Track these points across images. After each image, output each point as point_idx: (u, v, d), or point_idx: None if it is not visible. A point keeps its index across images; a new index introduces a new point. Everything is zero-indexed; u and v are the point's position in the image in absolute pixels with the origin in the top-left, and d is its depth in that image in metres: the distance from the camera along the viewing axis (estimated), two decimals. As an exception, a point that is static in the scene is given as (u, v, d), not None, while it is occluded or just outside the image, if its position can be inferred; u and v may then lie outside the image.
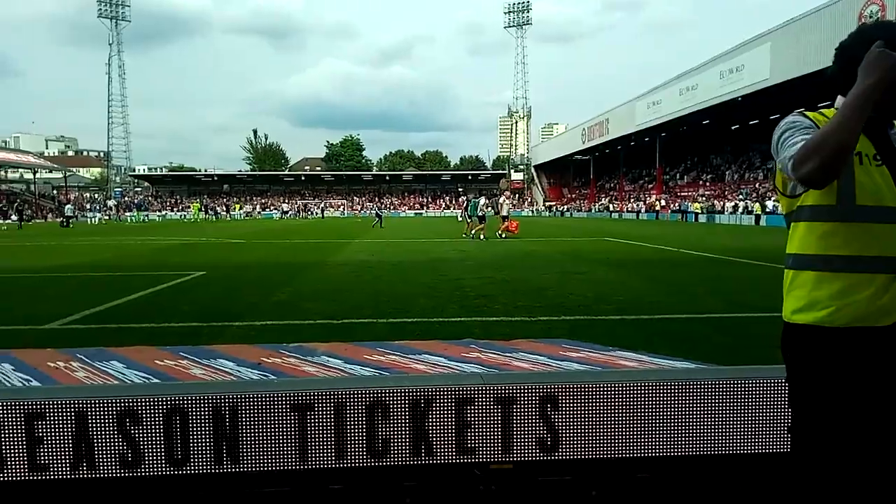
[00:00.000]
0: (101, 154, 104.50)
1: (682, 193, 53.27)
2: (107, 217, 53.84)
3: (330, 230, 30.50)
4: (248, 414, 2.21)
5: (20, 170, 73.40)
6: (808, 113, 1.61)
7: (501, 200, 23.02)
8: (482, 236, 20.98)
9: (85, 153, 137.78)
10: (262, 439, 2.21)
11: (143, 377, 3.54)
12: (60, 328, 6.04)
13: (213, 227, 38.15)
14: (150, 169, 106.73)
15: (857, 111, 1.37)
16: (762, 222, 35.35)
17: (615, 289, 8.59)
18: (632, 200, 59.47)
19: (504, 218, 22.22)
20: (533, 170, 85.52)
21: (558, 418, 2.27)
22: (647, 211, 52.66)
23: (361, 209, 74.41)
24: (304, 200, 76.34)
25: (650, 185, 59.57)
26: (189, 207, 66.96)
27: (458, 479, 2.34)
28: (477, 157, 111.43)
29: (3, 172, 65.84)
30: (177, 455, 2.19)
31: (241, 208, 68.05)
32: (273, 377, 3.49)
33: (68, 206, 48.56)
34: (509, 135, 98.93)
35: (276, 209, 69.00)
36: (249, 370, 3.70)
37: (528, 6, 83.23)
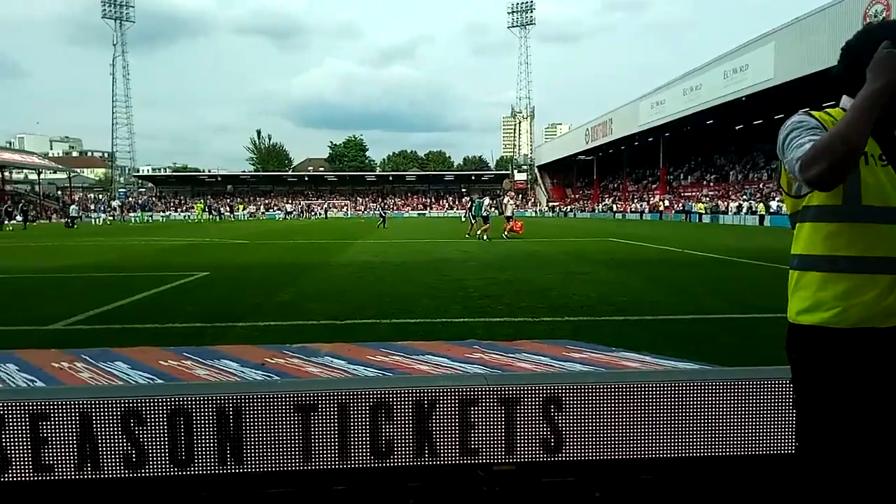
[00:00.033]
0: (105, 155, 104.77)
1: (686, 194, 53.17)
2: (111, 218, 54.01)
3: (333, 231, 30.54)
4: (251, 414, 2.21)
5: (25, 170, 73.73)
6: (813, 112, 1.60)
7: (505, 201, 23.01)
8: (486, 237, 20.98)
9: (89, 154, 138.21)
10: (265, 440, 2.21)
11: (147, 378, 3.55)
12: (65, 328, 6.06)
13: (217, 227, 38.24)
14: (153, 169, 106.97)
15: (866, 113, 1.36)
16: (766, 223, 35.27)
17: (618, 289, 8.57)
18: (635, 201, 59.38)
19: (508, 218, 22.19)
20: (536, 170, 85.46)
21: (562, 419, 2.27)
22: (650, 211, 52.57)
23: (365, 210, 74.50)
24: (307, 201, 76.45)
25: (654, 186, 59.47)
26: (193, 208, 67.17)
27: (461, 480, 2.34)
28: (480, 157, 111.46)
29: (7, 173, 66.07)
30: (181, 455, 2.19)
31: (244, 209, 68.18)
32: (276, 378, 3.50)
33: (73, 206, 48.73)
34: (513, 135, 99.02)
35: (279, 210, 69.11)
36: (253, 371, 3.70)
37: (531, 6, 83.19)
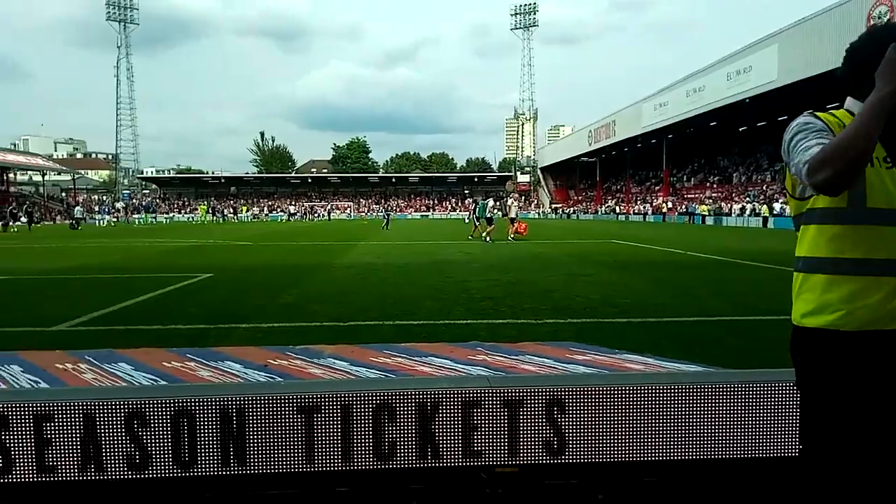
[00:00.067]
0: (110, 156, 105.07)
1: (689, 195, 53.07)
2: (115, 219, 54.17)
3: (336, 232, 30.57)
4: (254, 416, 2.21)
5: (29, 172, 73.97)
6: (819, 114, 1.59)
7: (509, 203, 22.97)
8: (489, 238, 20.97)
9: (93, 155, 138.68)
10: (268, 441, 2.21)
11: (151, 379, 3.55)
12: (69, 330, 6.07)
13: (220, 229, 38.32)
14: (157, 171, 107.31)
15: (875, 119, 1.35)
16: (769, 224, 35.19)
17: (622, 291, 8.56)
18: (638, 202, 59.30)
19: (512, 220, 22.17)
20: (539, 172, 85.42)
21: (565, 421, 2.26)
22: (653, 213, 52.49)
23: (368, 211, 74.55)
24: (310, 203, 76.54)
25: (657, 188, 59.38)
26: (196, 210, 67.31)
27: (464, 482, 2.34)
28: (483, 159, 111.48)
29: (12, 175, 66.34)
30: (184, 457, 2.20)
31: (247, 210, 68.29)
32: (279, 379, 3.50)
33: (78, 207, 48.88)
34: (516, 137, 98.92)
35: (282, 211, 69.22)
36: (256, 372, 3.71)
37: (534, 8, 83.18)
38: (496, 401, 2.26)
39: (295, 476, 2.25)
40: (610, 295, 8.15)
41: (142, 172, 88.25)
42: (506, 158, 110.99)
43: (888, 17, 25.23)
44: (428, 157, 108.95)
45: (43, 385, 3.42)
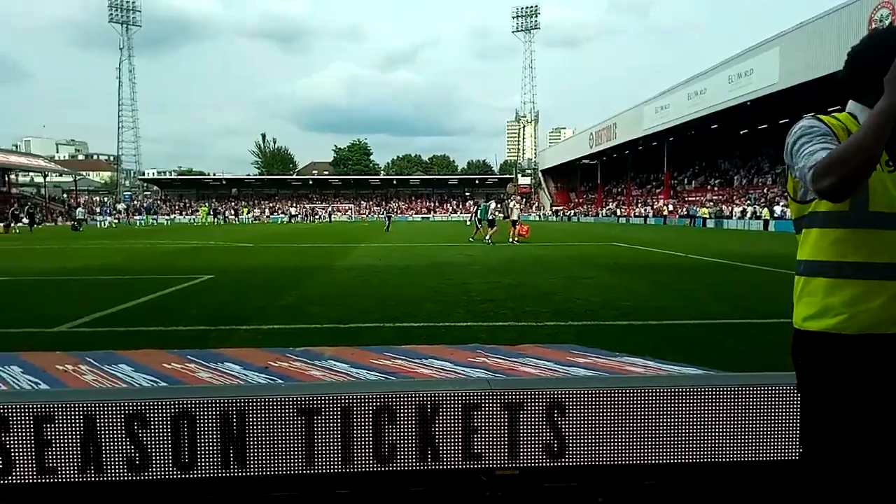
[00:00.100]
0: (111, 158, 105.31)
1: (690, 198, 53.06)
2: (116, 221, 54.21)
3: (337, 234, 30.58)
4: (254, 418, 2.21)
5: (31, 173, 74.06)
6: (822, 117, 1.59)
7: (511, 205, 22.94)
8: (490, 240, 20.97)
9: (95, 157, 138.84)
10: (268, 443, 2.21)
11: (151, 381, 3.55)
12: (69, 331, 6.07)
13: (221, 230, 38.34)
14: (159, 172, 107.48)
15: (882, 127, 1.34)
16: (770, 227, 35.17)
17: (622, 294, 8.55)
18: (639, 205, 59.30)
19: (514, 222, 22.17)
20: (540, 174, 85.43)
21: (565, 424, 2.26)
22: (654, 216, 52.49)
23: (369, 213, 74.57)
24: (311, 205, 76.57)
25: (658, 190, 59.38)
26: (197, 211, 67.37)
27: (464, 485, 2.33)
28: (484, 161, 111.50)
29: (13, 176, 66.43)
30: (184, 459, 2.20)
31: (248, 212, 68.32)
32: (280, 381, 3.50)
33: (79, 209, 48.94)
34: (517, 139, 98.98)
35: (283, 213, 69.27)
36: (256, 374, 3.71)
37: (536, 10, 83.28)
38: (496, 403, 2.26)
39: (295, 478, 2.25)
40: (611, 297, 8.15)
41: (143, 174, 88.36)
42: (507, 161, 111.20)
43: (890, 20, 25.23)
44: (429, 159, 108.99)
45: (43, 386, 3.42)
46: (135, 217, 64.04)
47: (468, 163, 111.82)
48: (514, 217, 22.15)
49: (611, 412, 2.26)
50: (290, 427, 2.21)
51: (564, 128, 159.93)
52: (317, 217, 68.75)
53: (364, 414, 2.23)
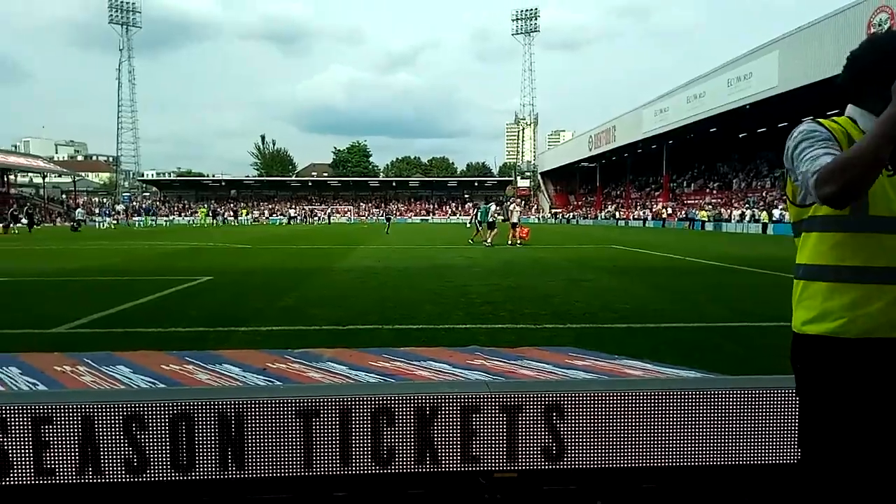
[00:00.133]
0: (111, 159, 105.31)
1: (689, 201, 53.13)
2: (115, 222, 54.17)
3: (336, 236, 30.58)
4: (253, 420, 2.21)
5: (30, 174, 74.03)
6: (822, 121, 1.59)
7: (511, 207, 22.95)
8: (490, 243, 20.98)
9: (94, 158, 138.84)
10: (267, 445, 2.21)
11: (150, 382, 3.55)
12: (68, 332, 6.07)
13: (220, 232, 38.33)
14: (158, 174, 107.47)
15: (889, 136, 1.32)
16: (769, 231, 35.21)
17: (621, 296, 8.56)
18: (638, 208, 59.37)
19: (514, 225, 22.18)
20: (539, 177, 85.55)
21: (564, 427, 2.26)
22: (653, 218, 52.54)
23: (368, 215, 74.59)
24: (310, 206, 76.57)
25: (657, 193, 59.45)
26: (196, 212, 67.34)
27: (462, 488, 2.33)
28: (483, 163, 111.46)
29: (13, 177, 66.39)
30: (182, 460, 2.19)
31: (247, 213, 68.30)
32: (278, 383, 3.50)
33: (79, 210, 48.90)
34: (516, 142, 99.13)
35: (283, 215, 69.27)
36: (255, 376, 3.70)
37: (535, 13, 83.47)
38: (495, 406, 2.26)
39: (293, 480, 2.24)
40: (609, 300, 8.15)
41: (142, 175, 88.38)
42: (506, 163, 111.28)
43: (889, 24, 25.30)
44: (428, 161, 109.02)
45: (41, 387, 3.42)
46: (134, 218, 63.99)
47: (467, 165, 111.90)
48: (514, 220, 22.15)
49: (609, 415, 2.26)
50: (289, 429, 2.21)
51: (564, 130, 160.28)
52: (316, 219, 68.75)
53: (362, 416, 2.23)
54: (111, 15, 77.87)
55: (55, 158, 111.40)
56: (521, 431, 2.26)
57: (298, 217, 68.16)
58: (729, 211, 44.01)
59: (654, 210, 54.91)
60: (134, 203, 74.64)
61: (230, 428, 2.20)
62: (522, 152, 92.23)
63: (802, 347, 1.61)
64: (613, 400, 2.27)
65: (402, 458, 2.24)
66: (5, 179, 62.60)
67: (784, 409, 2.27)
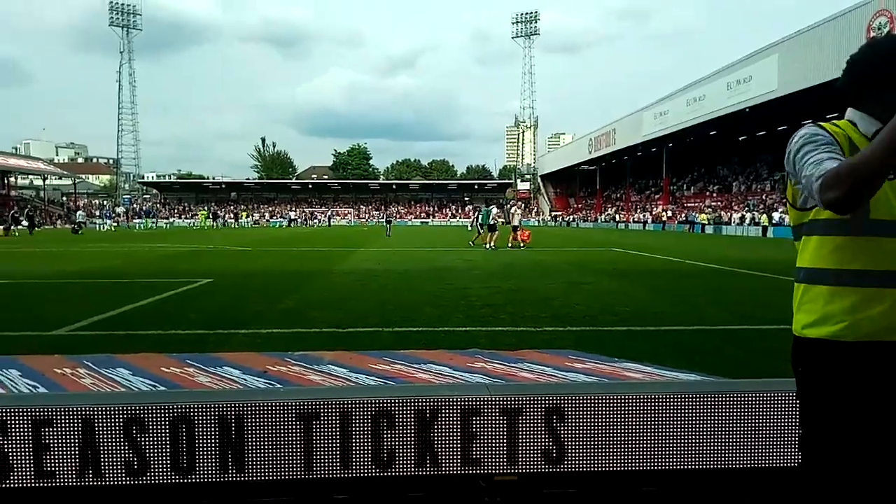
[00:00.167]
0: (111, 161, 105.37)
1: (689, 204, 53.14)
2: (115, 224, 54.18)
3: (336, 238, 30.58)
4: (253, 422, 2.21)
5: (30, 176, 74.07)
6: (824, 125, 1.59)
7: (513, 210, 22.96)
8: (490, 246, 20.99)
9: (94, 160, 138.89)
10: (267, 448, 2.21)
11: (150, 384, 3.55)
12: (68, 334, 6.06)
13: (221, 234, 38.32)
14: (158, 176, 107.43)
15: (894, 144, 1.30)
16: (769, 234, 35.22)
17: (621, 299, 8.56)
18: (638, 211, 59.38)
19: (515, 228, 22.17)
20: (539, 179, 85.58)
21: (564, 430, 2.26)
22: (653, 221, 52.55)
23: (368, 218, 74.61)
24: (310, 209, 76.60)
25: (657, 196, 59.47)
26: (197, 215, 67.35)
27: (463, 490, 2.33)
28: (483, 166, 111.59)
29: (13, 179, 66.42)
30: (182, 463, 2.19)
31: (248, 216, 68.31)
32: (278, 386, 3.50)
33: (80, 212, 48.91)
34: (516, 144, 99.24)
35: (283, 217, 69.27)
36: (255, 378, 3.70)
37: (535, 17, 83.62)
38: (495, 409, 2.26)
39: (293, 483, 2.24)
40: (609, 303, 8.15)
41: (143, 177, 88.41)
42: (506, 166, 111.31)
43: (888, 28, 25.34)
44: (428, 164, 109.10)
45: (42, 390, 3.42)
46: (134, 220, 63.98)
47: (467, 168, 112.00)
48: (515, 223, 22.17)
49: (609, 418, 2.26)
50: (289, 432, 2.21)
51: (564, 133, 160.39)
52: (316, 221, 68.76)
53: (363, 419, 2.23)
54: (112, 17, 78.02)
55: (55, 160, 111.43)
56: (522, 434, 2.26)
57: (298, 219, 68.17)
58: (729, 214, 44.04)
59: (654, 213, 54.92)
60: (134, 205, 74.65)
61: (230, 431, 2.20)
62: (522, 155, 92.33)
63: (803, 351, 1.61)
64: (613, 403, 2.27)
65: (402, 461, 2.24)
66: (6, 182, 62.63)
67: (784, 413, 2.27)
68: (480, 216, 24.16)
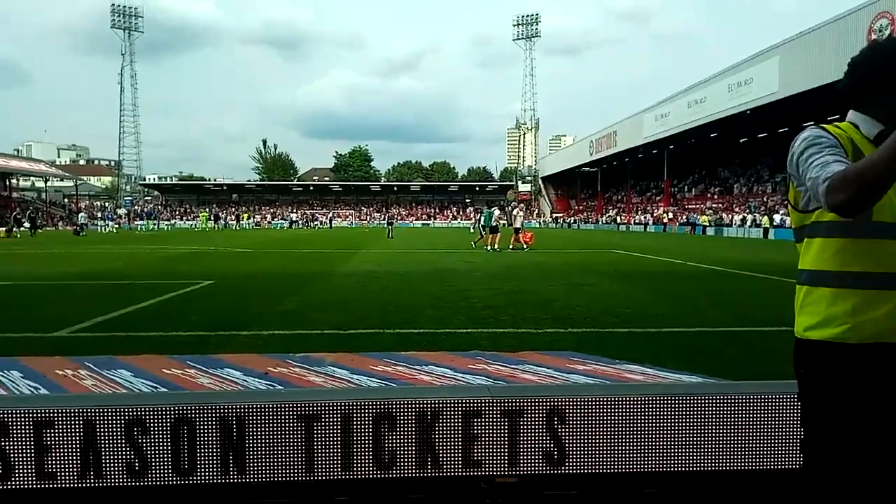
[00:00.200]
0: (112, 163, 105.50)
1: (690, 206, 53.12)
2: (117, 226, 54.25)
3: (337, 240, 30.60)
4: (254, 424, 2.21)
5: (32, 178, 74.22)
6: (826, 127, 1.59)
7: (515, 212, 22.99)
8: (492, 247, 21.00)
9: (96, 162, 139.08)
10: (268, 450, 2.21)
11: (151, 386, 3.55)
12: (69, 336, 6.07)
13: (222, 236, 38.35)
14: (160, 178, 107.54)
15: None
16: (770, 235, 35.19)
17: (622, 301, 8.55)
18: (639, 213, 59.37)
19: (517, 230, 22.17)
20: (540, 181, 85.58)
21: (565, 432, 2.26)
22: (654, 223, 52.55)
23: (369, 220, 74.66)
24: (312, 210, 76.65)
25: (658, 198, 59.46)
26: (198, 217, 67.44)
27: (464, 492, 2.33)
28: (485, 168, 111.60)
29: (15, 180, 66.55)
30: (183, 465, 2.19)
31: (249, 218, 68.37)
32: (280, 387, 3.50)
33: (82, 214, 48.99)
34: (517, 146, 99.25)
35: (284, 219, 69.31)
36: (256, 380, 3.70)
37: (536, 19, 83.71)
38: (496, 410, 2.26)
39: (294, 485, 2.24)
40: (610, 305, 8.15)
41: (144, 179, 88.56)
42: (507, 168, 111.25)
43: (889, 30, 25.33)
44: (429, 165, 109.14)
45: (43, 391, 3.42)
46: (136, 222, 64.08)
47: (468, 169, 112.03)
48: (517, 225, 22.19)
49: (611, 420, 2.26)
50: (290, 433, 2.21)
51: (565, 135, 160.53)
52: (317, 223, 68.79)
53: (364, 420, 2.23)
54: (113, 19, 78.21)
55: (57, 162, 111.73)
56: (523, 436, 2.26)
57: (300, 221, 68.23)
58: (730, 216, 44.02)
59: (655, 215, 54.90)
60: (136, 207, 74.76)
61: (231, 432, 2.20)
62: (523, 157, 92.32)
63: (805, 353, 1.61)
64: (615, 405, 2.26)
65: (403, 463, 2.24)
66: (7, 183, 62.77)
67: (786, 415, 2.26)
68: (482, 218, 24.19)
